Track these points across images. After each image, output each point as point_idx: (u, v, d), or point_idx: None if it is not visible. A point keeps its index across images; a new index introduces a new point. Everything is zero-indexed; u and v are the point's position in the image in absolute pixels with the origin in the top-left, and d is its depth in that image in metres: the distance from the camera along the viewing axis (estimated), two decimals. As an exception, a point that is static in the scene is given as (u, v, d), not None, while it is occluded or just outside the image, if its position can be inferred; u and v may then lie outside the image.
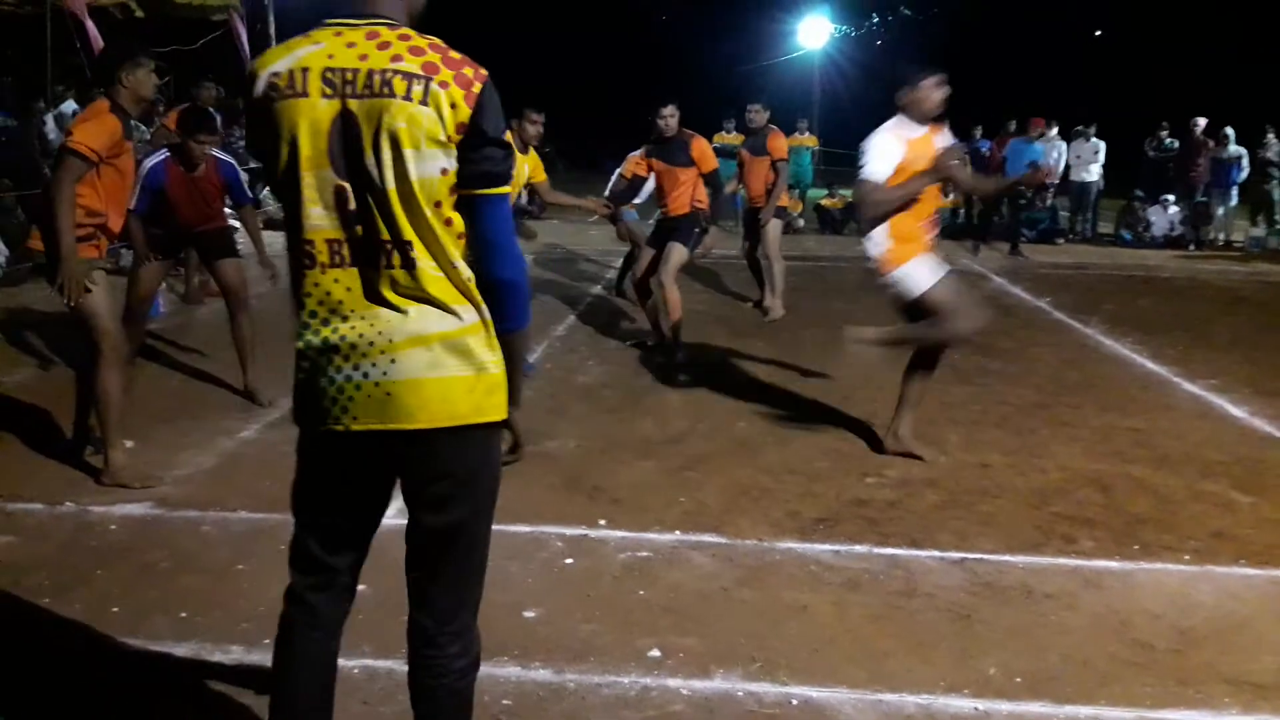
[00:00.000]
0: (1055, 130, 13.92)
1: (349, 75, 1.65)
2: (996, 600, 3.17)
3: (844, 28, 28.28)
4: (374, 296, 1.71)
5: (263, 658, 2.72)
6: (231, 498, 3.86)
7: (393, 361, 1.70)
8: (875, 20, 27.59)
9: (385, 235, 1.68)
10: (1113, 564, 3.45)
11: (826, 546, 3.56)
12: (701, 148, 6.33)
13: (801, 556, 3.49)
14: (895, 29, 27.69)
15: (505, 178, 1.75)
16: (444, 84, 1.64)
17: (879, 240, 4.26)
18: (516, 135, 5.79)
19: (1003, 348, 6.90)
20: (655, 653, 2.81)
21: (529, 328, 1.88)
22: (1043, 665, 2.78)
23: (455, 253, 1.73)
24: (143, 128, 11.12)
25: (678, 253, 6.26)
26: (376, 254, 1.69)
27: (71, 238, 3.64)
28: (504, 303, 1.78)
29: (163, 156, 4.94)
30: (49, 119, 10.55)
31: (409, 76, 1.64)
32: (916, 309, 4.29)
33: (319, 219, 1.69)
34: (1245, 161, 13.53)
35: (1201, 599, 3.21)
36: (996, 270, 10.92)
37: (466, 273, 1.74)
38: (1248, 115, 14.07)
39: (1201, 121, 13.85)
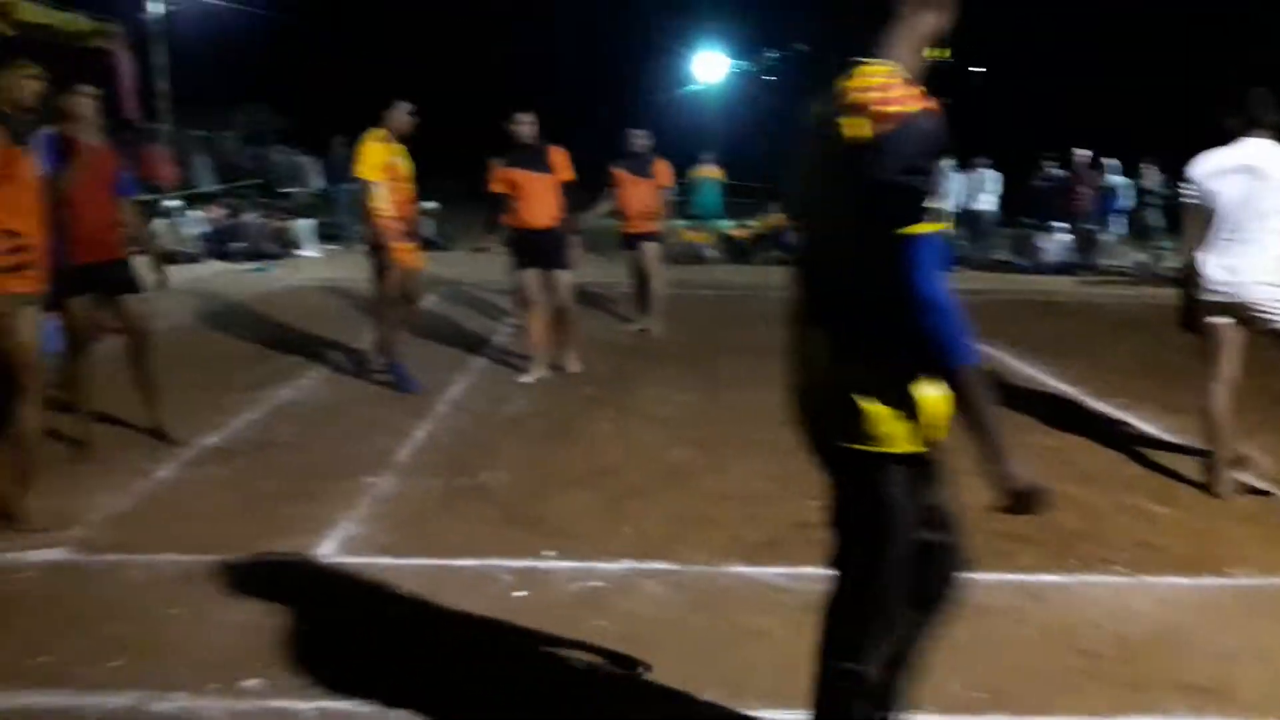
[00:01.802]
0: (949, 163, 14.49)
1: None
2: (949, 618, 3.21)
3: (740, 63, 28.94)
4: None
5: (210, 703, 2.58)
6: (154, 541, 3.64)
7: None
8: (774, 55, 28.32)
9: None
10: (1053, 578, 3.55)
11: (777, 570, 3.56)
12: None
13: (753, 581, 3.48)
14: (791, 65, 28.48)
15: None
16: None
17: None
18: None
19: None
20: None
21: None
22: (1001, 679, 2.83)
23: None
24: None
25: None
26: None
27: None
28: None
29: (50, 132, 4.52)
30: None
31: None
32: None
33: None
34: (1128, 190, 14.33)
35: (1139, 608, 3.33)
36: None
37: None
38: (1130, 147, 14.92)
39: (1083, 153, 14.63)
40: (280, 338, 7.78)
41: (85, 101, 4.62)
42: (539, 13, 33.76)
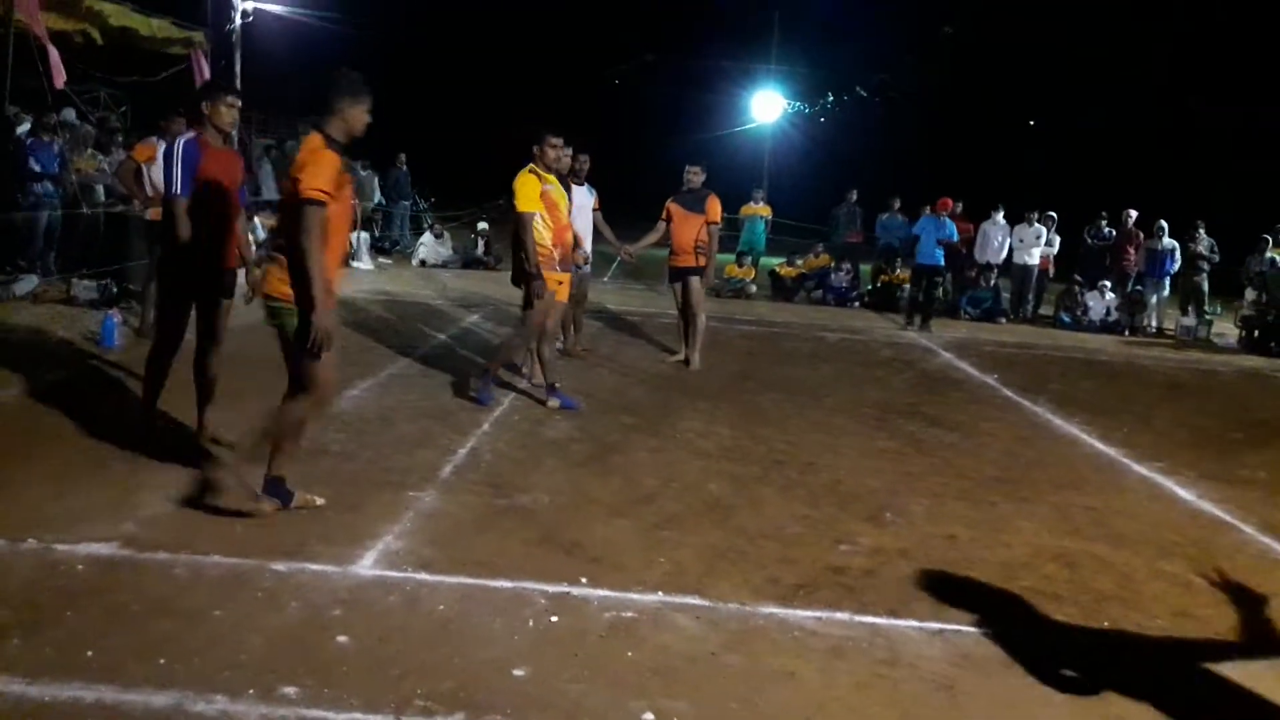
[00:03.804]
0: (1001, 214, 14.48)
1: None
2: (978, 672, 3.22)
3: (797, 104, 29.13)
4: None
5: (247, 708, 2.66)
6: (202, 540, 3.75)
7: None
8: (830, 99, 28.48)
9: None
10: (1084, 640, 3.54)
11: (808, 613, 3.59)
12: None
13: (784, 622, 3.51)
14: (848, 108, 28.62)
15: None
16: None
17: None
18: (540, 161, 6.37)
19: (956, 420, 7.08)
20: (648, 716, 2.79)
21: None
22: (1028, 739, 2.83)
23: None
24: (100, 156, 10.93)
25: None
26: None
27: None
28: None
29: (191, 134, 4.76)
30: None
31: None
32: None
33: None
34: (1178, 253, 14.20)
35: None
36: (943, 345, 11.21)
37: None
38: (1182, 210, 14.80)
39: (1133, 213, 14.54)
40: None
41: (232, 111, 4.79)
42: (602, 45, 34.25)
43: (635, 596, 3.62)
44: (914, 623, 3.56)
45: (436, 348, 8.54)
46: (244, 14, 14.16)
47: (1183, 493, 5.62)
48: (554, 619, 3.39)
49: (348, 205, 4.10)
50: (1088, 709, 3.03)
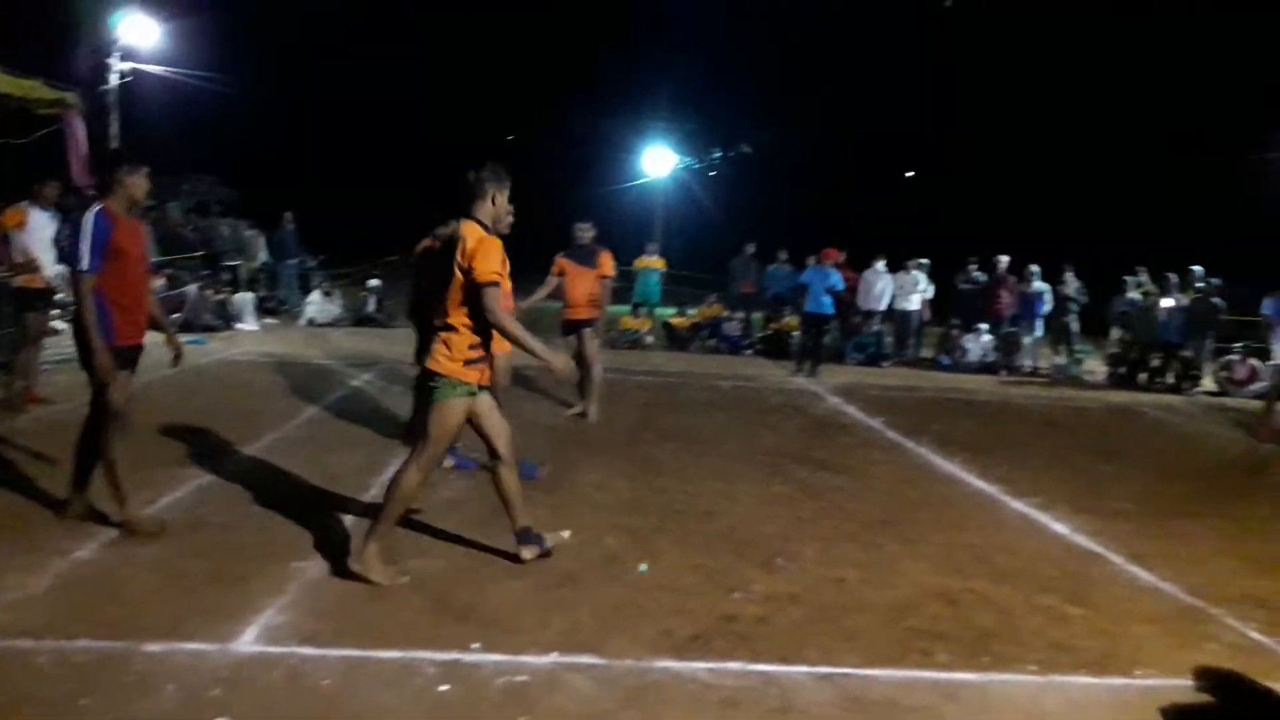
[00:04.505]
0: (882, 263, 15.05)
1: None
2: (866, 715, 3.29)
3: (688, 159, 29.83)
4: None
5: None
6: (70, 624, 3.55)
7: None
8: (717, 155, 29.26)
9: None
10: (968, 676, 3.65)
11: (702, 664, 3.61)
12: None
13: (679, 675, 3.52)
14: (735, 163, 29.47)
15: None
16: None
17: None
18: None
19: (845, 464, 7.27)
20: (543, 781, 2.76)
21: None
22: (915, 778, 2.90)
23: None
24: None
25: None
26: None
27: None
28: None
29: (99, 206, 4.55)
30: None
31: None
32: None
33: None
34: (1049, 296, 14.98)
35: (1051, 708, 3.44)
36: (830, 390, 11.52)
37: None
38: (1051, 254, 15.66)
39: (1004, 259, 15.31)
40: (212, 411, 7.67)
41: (144, 183, 4.69)
42: (490, 101, 34.57)
43: (529, 659, 3.58)
44: (805, 668, 3.62)
45: (323, 410, 8.33)
46: (121, 74, 13.79)
47: (1058, 527, 5.88)
48: (444, 688, 3.32)
49: (507, 283, 4.40)
50: (971, 744, 3.12)
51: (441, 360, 4.25)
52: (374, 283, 16.68)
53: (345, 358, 11.77)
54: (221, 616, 3.73)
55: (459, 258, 4.17)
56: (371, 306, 16.24)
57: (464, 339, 4.22)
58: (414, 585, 4.27)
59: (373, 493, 5.75)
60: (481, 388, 4.34)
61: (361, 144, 35.03)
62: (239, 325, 14.28)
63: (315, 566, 4.42)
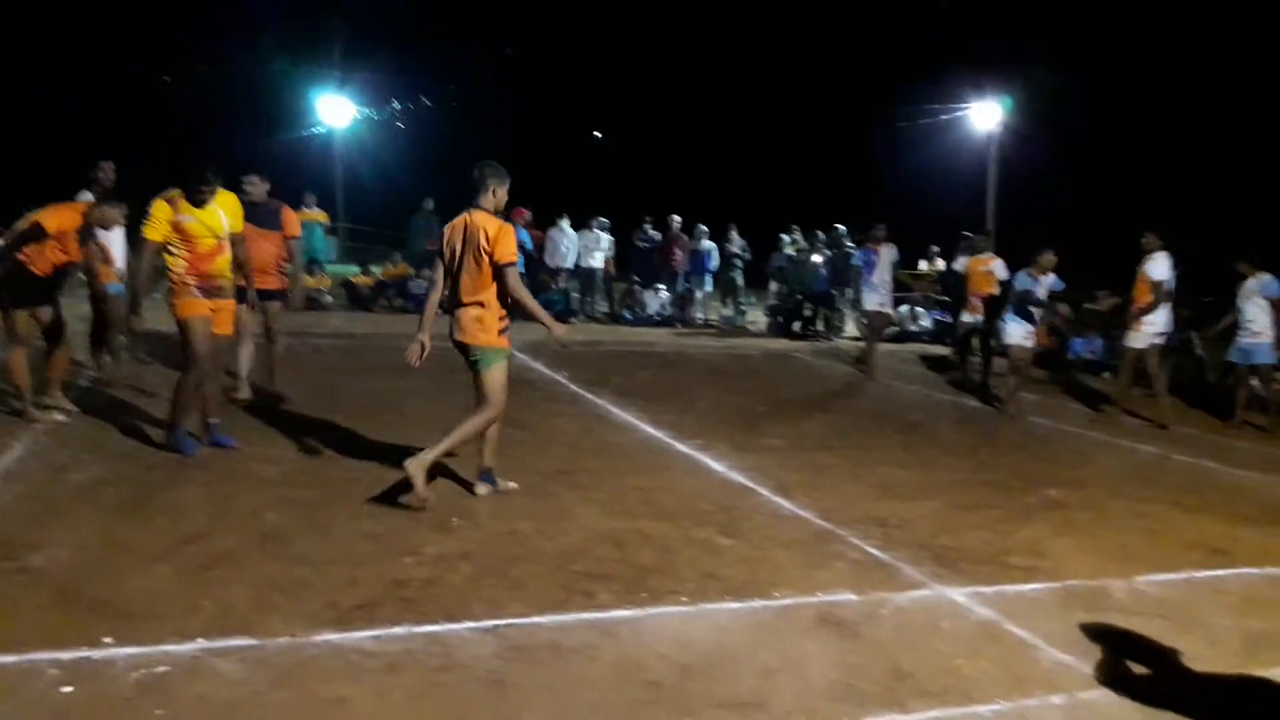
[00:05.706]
0: (567, 221, 15.37)
1: None
2: (527, 662, 3.38)
3: (367, 110, 28.57)
4: None
5: None
6: None
7: None
8: (397, 106, 28.28)
9: None
10: (626, 613, 3.85)
11: (366, 633, 3.52)
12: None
13: (339, 648, 3.41)
14: (417, 117, 28.64)
15: None
16: None
17: None
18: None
19: (526, 419, 7.38)
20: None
21: None
22: (573, 717, 3.02)
23: None
24: None
25: None
26: None
27: None
28: None
29: None
30: None
31: None
32: None
33: None
34: (716, 253, 16.05)
35: (697, 635, 3.71)
36: (519, 347, 11.63)
37: None
38: (718, 213, 16.75)
39: (677, 219, 16.21)
40: None
41: None
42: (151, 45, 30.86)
43: (170, 648, 3.30)
44: (470, 624, 3.64)
45: None
46: None
47: (716, 465, 6.36)
48: (68, 689, 2.99)
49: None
50: (625, 680, 3.30)
51: (480, 335, 5.07)
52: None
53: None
54: None
55: (484, 243, 4.92)
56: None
57: (494, 312, 5.05)
58: (34, 582, 3.80)
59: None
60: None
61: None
62: None
63: (-96, 573, 3.80)
